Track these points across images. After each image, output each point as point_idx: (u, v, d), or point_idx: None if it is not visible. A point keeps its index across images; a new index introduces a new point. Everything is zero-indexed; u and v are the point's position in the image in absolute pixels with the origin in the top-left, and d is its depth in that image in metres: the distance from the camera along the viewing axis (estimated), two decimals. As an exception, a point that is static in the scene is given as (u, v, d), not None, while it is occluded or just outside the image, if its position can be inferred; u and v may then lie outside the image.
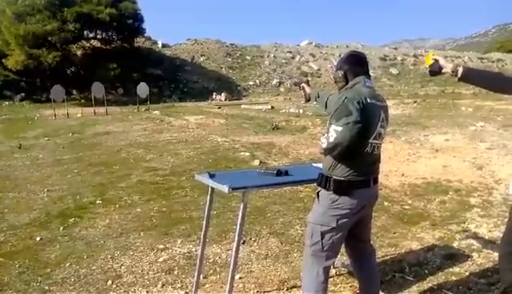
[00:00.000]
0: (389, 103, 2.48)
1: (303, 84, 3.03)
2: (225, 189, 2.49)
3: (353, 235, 2.47)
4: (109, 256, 3.66)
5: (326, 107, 2.67)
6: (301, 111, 14.71)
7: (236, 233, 2.59)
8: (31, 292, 3.13)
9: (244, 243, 3.79)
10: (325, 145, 2.27)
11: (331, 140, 2.21)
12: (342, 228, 2.34)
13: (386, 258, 3.55)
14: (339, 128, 2.18)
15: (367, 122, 2.21)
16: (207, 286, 3.15)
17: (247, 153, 7.77)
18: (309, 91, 2.97)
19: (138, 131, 11.05)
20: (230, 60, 28.62)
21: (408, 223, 4.39)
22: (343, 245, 2.53)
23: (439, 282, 3.14)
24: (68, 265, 3.53)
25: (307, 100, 3.01)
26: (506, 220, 2.43)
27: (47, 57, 19.57)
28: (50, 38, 20.35)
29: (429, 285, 3.11)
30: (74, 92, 21.03)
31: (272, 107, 16.89)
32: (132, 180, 6.20)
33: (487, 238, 3.95)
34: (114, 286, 3.18)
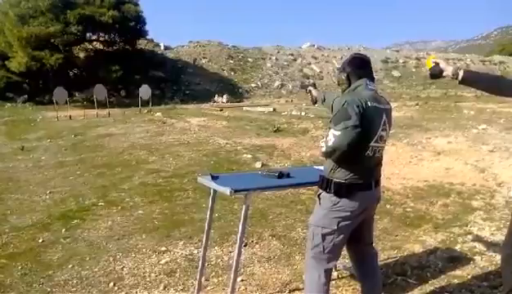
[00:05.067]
0: (391, 105, 2.49)
1: (309, 87, 3.06)
2: (227, 191, 2.49)
3: (355, 238, 2.47)
4: (111, 258, 3.67)
5: (332, 110, 2.69)
6: (303, 113, 14.71)
7: (238, 236, 2.59)
8: (33, 294, 3.14)
9: (246, 246, 3.79)
10: (324, 149, 2.30)
11: (330, 144, 2.23)
12: (343, 230, 2.34)
13: (388, 261, 3.54)
14: (338, 132, 2.19)
15: (368, 125, 2.21)
16: (209, 288, 3.15)
17: (249, 156, 7.78)
18: (316, 93, 3.01)
19: (140, 133, 11.07)
20: (232, 62, 28.68)
21: (410, 226, 4.38)
22: (345, 247, 2.53)
23: (442, 286, 3.13)
24: (70, 266, 3.54)
25: (314, 103, 3.06)
26: (508, 223, 2.42)
27: (50, 59, 19.63)
28: (53, 40, 20.42)
29: (432, 288, 3.10)
30: (77, 94, 21.08)
31: (274, 109, 16.89)
32: (134, 182, 6.21)
33: (489, 240, 3.94)
34: (116, 288, 3.18)
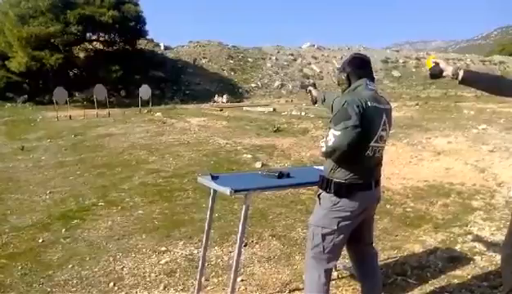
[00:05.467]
0: (391, 105, 2.49)
1: (309, 87, 3.06)
2: (227, 191, 2.49)
3: (355, 238, 2.47)
4: (111, 258, 3.67)
5: (332, 110, 2.69)
6: (303, 113, 14.71)
7: (238, 236, 2.59)
8: (33, 294, 3.14)
9: (246, 246, 3.79)
10: (324, 149, 2.30)
11: (330, 144, 2.23)
12: (343, 230, 2.34)
13: (388, 261, 3.54)
14: (338, 132, 2.19)
15: (367, 125, 2.21)
16: (209, 288, 3.15)
17: (249, 156, 7.78)
18: (316, 94, 3.01)
19: (140, 133, 11.07)
20: (232, 62, 28.68)
21: (410, 226, 4.38)
22: (345, 247, 2.53)
23: (442, 286, 3.13)
24: (70, 266, 3.54)
25: (314, 103, 3.06)
26: (508, 223, 2.42)
27: (50, 59, 19.63)
28: (53, 40, 20.43)
29: (432, 288, 3.10)
30: (77, 94, 21.08)
31: (274, 109, 16.89)
32: (134, 182, 6.21)
33: (489, 240, 3.94)
34: (116, 288, 3.18)
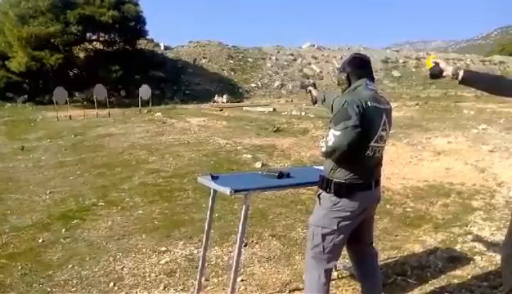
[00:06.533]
0: (391, 105, 2.49)
1: (309, 87, 3.07)
2: (227, 191, 2.49)
3: (355, 238, 2.47)
4: (111, 258, 3.67)
5: (332, 110, 2.69)
6: (303, 113, 14.71)
7: (238, 236, 2.59)
8: (33, 294, 3.14)
9: (246, 246, 3.79)
10: (324, 149, 2.30)
11: (330, 144, 2.23)
12: (343, 230, 2.34)
13: (388, 261, 3.54)
14: (338, 132, 2.19)
15: (367, 125, 2.21)
16: (209, 288, 3.15)
17: (249, 156, 7.78)
18: (316, 94, 3.01)
19: (140, 133, 11.06)
20: (232, 62, 28.69)
21: (410, 226, 4.38)
22: (345, 247, 2.53)
23: (442, 286, 3.14)
24: (70, 266, 3.54)
25: (314, 103, 3.07)
26: (508, 223, 2.42)
27: (50, 59, 19.63)
28: (53, 40, 20.43)
29: (432, 288, 3.10)
30: (77, 94, 21.08)
31: (274, 109, 16.89)
32: (134, 182, 6.21)
33: (489, 240, 3.94)
34: (116, 288, 3.18)
